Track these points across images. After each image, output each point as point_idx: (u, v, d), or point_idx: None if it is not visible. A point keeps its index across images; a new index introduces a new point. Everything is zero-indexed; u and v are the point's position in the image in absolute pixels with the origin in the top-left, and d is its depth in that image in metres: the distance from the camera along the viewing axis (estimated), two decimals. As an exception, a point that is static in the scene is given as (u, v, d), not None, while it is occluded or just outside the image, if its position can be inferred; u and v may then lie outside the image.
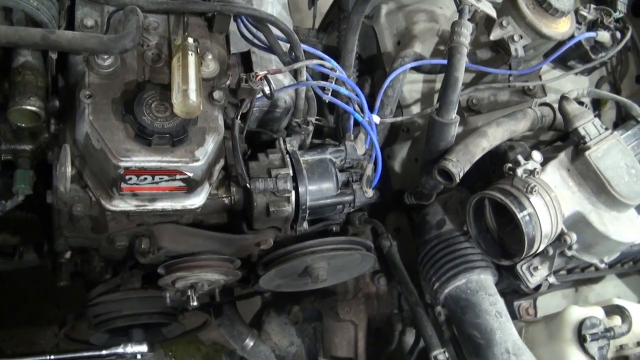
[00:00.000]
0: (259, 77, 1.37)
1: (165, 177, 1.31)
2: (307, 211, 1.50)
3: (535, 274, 1.49)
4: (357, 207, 1.57)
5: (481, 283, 1.56)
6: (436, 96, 2.05)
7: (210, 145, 1.33)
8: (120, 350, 1.88)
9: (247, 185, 1.42)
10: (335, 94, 1.57)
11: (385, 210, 2.19)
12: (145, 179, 1.29)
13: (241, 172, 1.42)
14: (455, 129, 1.50)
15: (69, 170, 1.23)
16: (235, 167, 1.44)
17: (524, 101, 1.93)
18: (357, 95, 1.56)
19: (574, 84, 2.00)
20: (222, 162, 1.46)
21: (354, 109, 1.59)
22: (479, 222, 1.53)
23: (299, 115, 1.61)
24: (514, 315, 1.82)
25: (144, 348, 1.92)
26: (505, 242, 1.52)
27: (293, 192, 1.46)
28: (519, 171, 1.43)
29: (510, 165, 1.46)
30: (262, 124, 1.74)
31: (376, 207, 2.23)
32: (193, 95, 1.20)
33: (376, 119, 1.68)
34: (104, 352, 1.87)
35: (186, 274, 1.49)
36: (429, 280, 1.65)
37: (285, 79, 1.68)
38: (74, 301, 1.98)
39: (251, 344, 2.23)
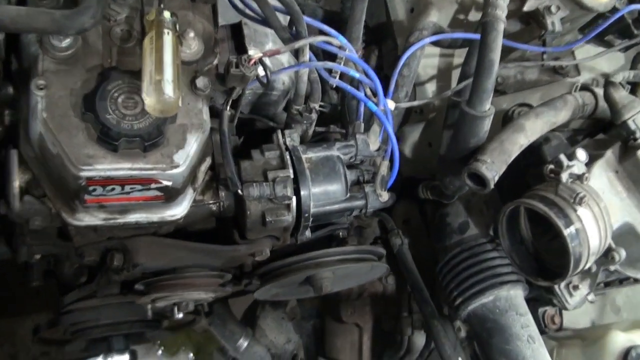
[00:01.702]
0: (252, 61, 1.11)
1: (138, 187, 1.06)
2: (310, 219, 1.27)
3: (575, 294, 1.28)
4: (369, 213, 1.34)
5: (511, 301, 1.35)
6: (454, 73, 1.79)
7: (192, 146, 1.08)
8: (100, 360, 1.69)
9: (239, 192, 1.18)
10: (343, 76, 1.31)
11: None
12: (113, 189, 1.05)
13: (231, 176, 1.18)
14: (490, 122, 1.26)
15: (16, 185, 0.99)
16: (224, 169, 1.20)
17: (554, 80, 1.67)
18: (369, 78, 1.31)
19: (609, 63, 1.75)
20: (208, 162, 1.21)
21: (366, 94, 1.34)
22: (512, 232, 1.30)
23: (300, 102, 1.36)
24: (538, 324, 1.62)
25: (125, 358, 1.72)
26: (542, 255, 1.29)
27: (294, 198, 1.23)
28: (564, 176, 1.19)
29: (552, 167, 1.22)
30: (256, 108, 1.49)
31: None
32: (169, 89, 0.95)
33: (391, 104, 1.43)
34: (82, 363, 1.68)
35: (167, 293, 1.27)
36: (449, 293, 1.44)
37: (284, 56, 1.42)
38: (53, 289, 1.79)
39: (245, 344, 2.02)
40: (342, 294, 1.85)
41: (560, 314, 1.60)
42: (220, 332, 2.01)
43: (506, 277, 1.36)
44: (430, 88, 1.81)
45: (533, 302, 1.61)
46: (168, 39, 1.01)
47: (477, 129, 1.24)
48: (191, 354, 2.70)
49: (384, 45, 1.93)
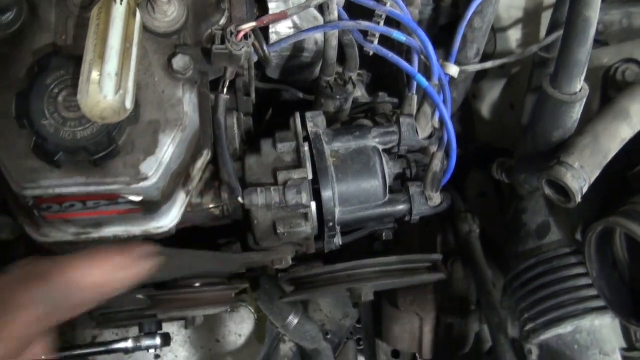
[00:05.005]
0: (240, 35, 0.81)
1: (103, 202, 0.84)
2: (337, 227, 1.00)
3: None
4: (415, 221, 1.04)
5: (595, 335, 1.03)
6: (546, 16, 1.39)
7: (167, 150, 0.82)
8: (129, 344, 1.57)
9: (239, 199, 0.93)
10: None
11: (466, 167, 1.64)
12: (72, 205, 0.83)
13: (228, 180, 0.93)
14: (581, 109, 0.90)
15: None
16: (222, 169, 0.95)
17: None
18: (421, 42, 0.98)
19: None
20: (205, 155, 0.96)
21: (417, 64, 1.02)
22: (602, 253, 0.97)
23: (330, 72, 1.06)
24: (628, 337, 1.29)
25: (156, 341, 1.59)
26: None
27: (313, 204, 0.96)
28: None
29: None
30: (286, 74, 1.21)
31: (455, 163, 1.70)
32: (109, 87, 0.69)
33: (453, 70, 1.10)
34: (114, 346, 1.57)
35: (168, 311, 1.07)
36: (519, 313, 1.14)
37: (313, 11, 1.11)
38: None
39: (295, 321, 1.82)
40: (399, 280, 1.59)
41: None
42: (268, 308, 1.82)
43: (592, 302, 1.04)
44: (514, 35, 1.43)
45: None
46: (120, 10, 0.74)
47: (562, 118, 0.89)
48: (252, 309, 2.60)
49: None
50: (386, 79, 1.28)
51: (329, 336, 1.97)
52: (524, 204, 1.18)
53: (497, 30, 1.42)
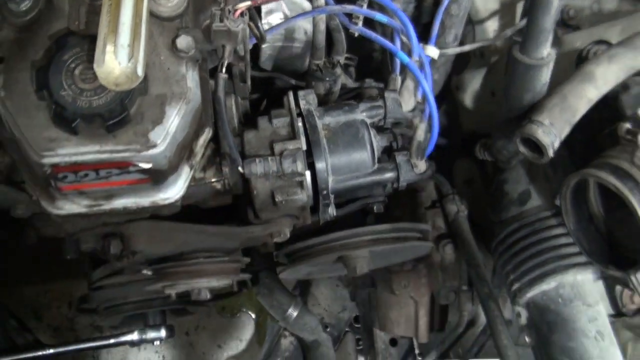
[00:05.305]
0: (237, 12, 0.90)
1: (115, 171, 0.91)
2: (331, 196, 1.08)
3: (659, 288, 1.01)
4: (402, 187, 1.12)
5: (578, 288, 1.10)
6: (521, 5, 1.49)
7: (173, 121, 0.90)
8: (135, 337, 1.62)
9: (240, 169, 1.01)
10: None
11: (453, 156, 1.73)
12: (87, 175, 0.91)
13: (229, 152, 1.01)
14: (549, 73, 0.99)
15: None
16: (222, 142, 1.03)
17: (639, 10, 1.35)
18: (402, 22, 1.07)
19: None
20: (208, 133, 1.04)
21: (402, 43, 1.11)
22: (579, 207, 1.05)
23: (319, 55, 1.15)
24: (614, 304, 1.36)
25: (161, 334, 1.65)
26: (616, 236, 1.03)
27: (308, 173, 1.04)
28: (645, 138, 0.92)
29: (628, 126, 0.94)
30: (280, 64, 1.29)
31: (442, 153, 1.77)
32: (122, 55, 0.77)
33: (433, 51, 1.19)
34: (120, 339, 1.63)
35: (174, 282, 1.14)
36: (505, 276, 1.21)
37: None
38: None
39: (294, 314, 1.89)
40: (394, 264, 1.66)
41: (642, 293, 1.33)
42: (268, 302, 1.88)
43: (573, 259, 1.11)
44: (492, 26, 1.52)
45: (610, 279, 1.35)
46: (129, -8, 0.83)
47: (532, 82, 0.98)
48: (253, 314, 2.65)
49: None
50: (373, 64, 1.37)
51: (328, 329, 2.03)
52: (505, 175, 1.26)
53: (475, 22, 1.52)
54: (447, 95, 1.69)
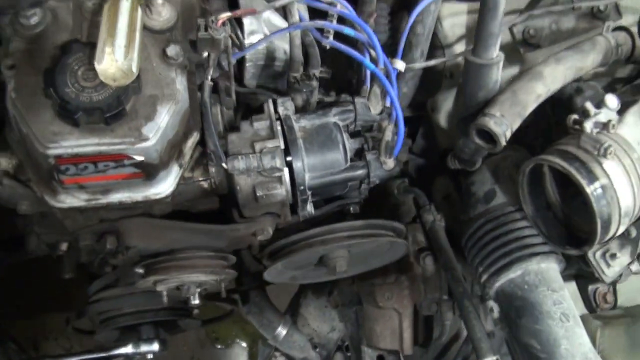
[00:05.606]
0: (220, 22, 1.03)
1: (112, 164, 1.02)
2: (308, 192, 1.18)
3: (613, 264, 1.10)
4: (374, 183, 1.23)
5: (542, 275, 1.18)
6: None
7: (164, 118, 1.02)
8: (129, 350, 1.68)
9: (224, 165, 1.11)
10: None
11: (432, 174, 1.83)
12: (86, 167, 1.01)
13: (214, 149, 1.12)
14: (499, 72, 1.11)
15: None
16: (208, 142, 1.13)
17: (595, 27, 1.48)
18: (367, 35, 1.20)
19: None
20: (195, 137, 1.15)
21: (371, 57, 1.23)
22: (536, 196, 1.15)
23: (296, 68, 1.27)
24: (589, 304, 1.43)
25: (154, 347, 1.71)
26: (573, 221, 1.13)
27: (286, 170, 1.14)
28: (588, 125, 1.03)
29: (575, 117, 1.06)
30: (263, 82, 1.41)
31: (422, 172, 1.87)
32: (119, 53, 0.89)
33: (400, 64, 1.31)
34: (111, 352, 1.68)
35: (165, 276, 1.22)
36: (475, 269, 1.30)
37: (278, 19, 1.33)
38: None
39: (284, 332, 1.95)
40: (377, 275, 1.74)
41: (614, 292, 1.41)
42: (258, 320, 1.95)
43: (536, 248, 1.20)
44: (459, 49, 1.66)
45: (582, 280, 1.44)
46: (125, 4, 0.96)
47: (484, 80, 1.10)
48: (245, 344, 2.69)
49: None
50: (347, 80, 1.49)
51: (317, 349, 2.08)
52: (472, 177, 1.37)
53: (445, 46, 1.66)
54: (423, 118, 1.81)
